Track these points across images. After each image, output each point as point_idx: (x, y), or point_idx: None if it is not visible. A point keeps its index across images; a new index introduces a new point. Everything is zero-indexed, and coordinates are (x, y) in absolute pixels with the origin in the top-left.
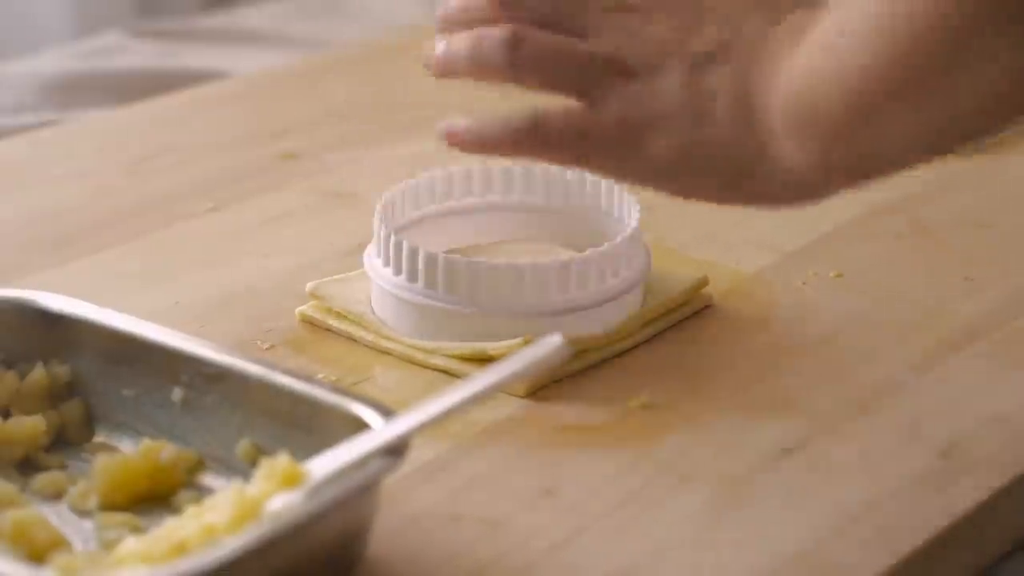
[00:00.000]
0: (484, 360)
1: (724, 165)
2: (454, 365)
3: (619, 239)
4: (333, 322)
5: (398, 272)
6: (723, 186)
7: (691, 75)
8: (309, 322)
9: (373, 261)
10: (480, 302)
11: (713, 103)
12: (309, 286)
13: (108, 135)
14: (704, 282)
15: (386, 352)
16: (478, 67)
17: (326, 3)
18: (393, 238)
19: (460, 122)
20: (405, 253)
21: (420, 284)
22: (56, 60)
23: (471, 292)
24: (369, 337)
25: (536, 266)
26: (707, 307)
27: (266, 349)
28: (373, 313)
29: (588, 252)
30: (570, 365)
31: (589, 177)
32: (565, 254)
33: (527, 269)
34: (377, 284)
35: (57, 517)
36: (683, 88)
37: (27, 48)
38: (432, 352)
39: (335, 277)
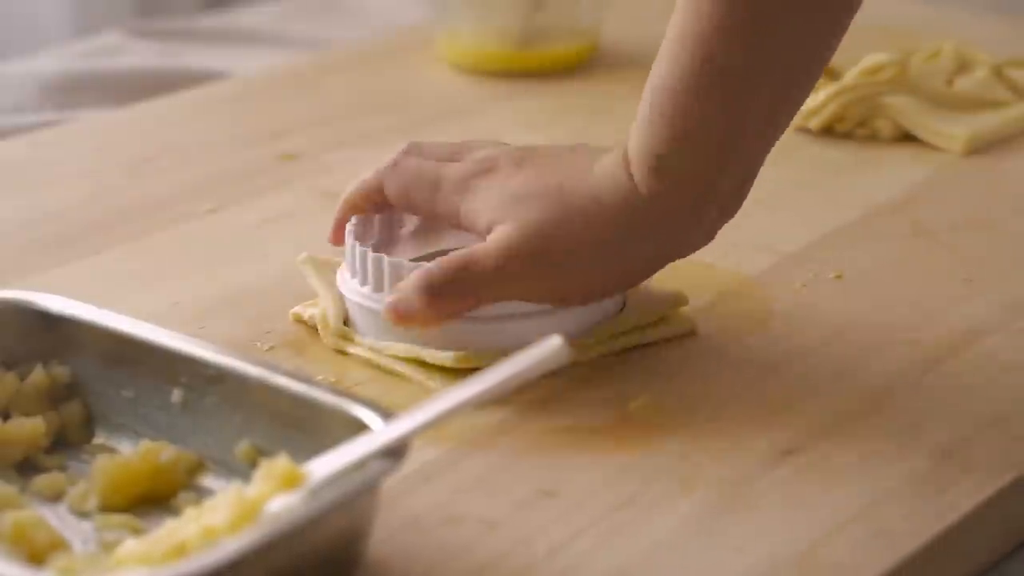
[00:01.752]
0: (420, 364)
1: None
2: (397, 366)
3: None
4: (309, 312)
5: (364, 282)
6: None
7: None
8: (301, 321)
9: (344, 275)
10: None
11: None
12: (301, 257)
13: (108, 135)
14: (682, 300)
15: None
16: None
17: (326, 3)
18: (359, 248)
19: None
20: (370, 262)
21: (385, 293)
22: (56, 60)
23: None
24: (330, 340)
25: None
26: (691, 334)
27: (266, 350)
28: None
29: None
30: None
31: None
32: None
33: None
34: (349, 298)
35: (57, 518)
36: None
37: (27, 48)
38: (378, 352)
39: (333, 259)
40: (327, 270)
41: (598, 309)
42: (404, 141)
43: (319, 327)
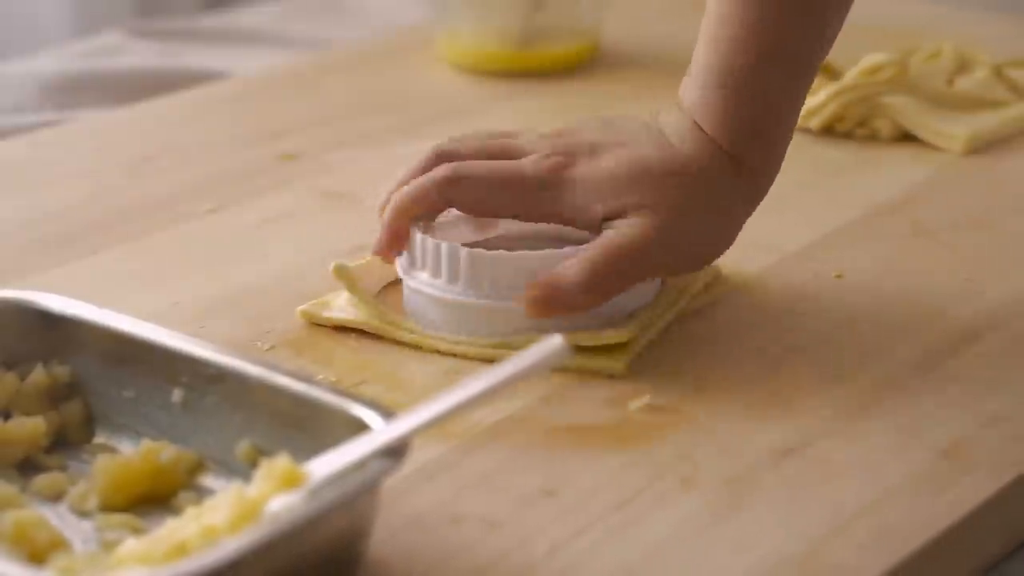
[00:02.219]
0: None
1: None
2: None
3: None
4: (338, 315)
5: (423, 268)
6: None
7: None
8: (311, 320)
9: (401, 260)
10: (502, 295)
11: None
12: (334, 264)
13: (108, 135)
14: (718, 270)
15: (412, 345)
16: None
17: (326, 3)
18: (418, 234)
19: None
20: (429, 248)
21: (443, 279)
22: (56, 60)
23: (493, 285)
24: (389, 330)
25: (548, 255)
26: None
27: (266, 350)
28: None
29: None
30: (611, 364)
31: None
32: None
33: (538, 259)
34: (406, 282)
35: (57, 518)
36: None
37: (27, 48)
38: (456, 343)
39: (360, 262)
40: (357, 276)
41: (645, 290)
42: (404, 141)
43: (373, 322)
